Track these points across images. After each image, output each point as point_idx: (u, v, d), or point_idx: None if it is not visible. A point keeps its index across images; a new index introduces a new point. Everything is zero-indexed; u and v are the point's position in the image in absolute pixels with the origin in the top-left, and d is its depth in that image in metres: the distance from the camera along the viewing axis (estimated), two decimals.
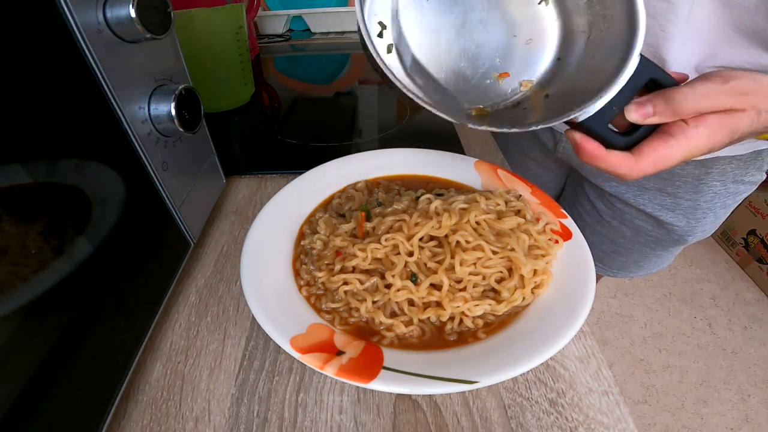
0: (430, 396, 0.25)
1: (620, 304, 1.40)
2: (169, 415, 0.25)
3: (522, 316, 0.27)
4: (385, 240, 0.29)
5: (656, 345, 1.27)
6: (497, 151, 0.51)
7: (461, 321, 0.27)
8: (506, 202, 0.33)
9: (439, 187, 0.38)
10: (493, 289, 0.28)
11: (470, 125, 0.25)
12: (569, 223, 0.32)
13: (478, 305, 0.26)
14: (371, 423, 0.24)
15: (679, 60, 0.31)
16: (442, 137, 0.53)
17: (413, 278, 0.28)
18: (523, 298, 0.27)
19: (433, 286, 0.28)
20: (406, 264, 0.28)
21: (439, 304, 0.27)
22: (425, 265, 0.28)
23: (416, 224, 0.30)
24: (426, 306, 0.27)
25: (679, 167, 0.44)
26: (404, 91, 0.24)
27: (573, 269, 0.29)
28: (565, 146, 0.52)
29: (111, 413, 0.23)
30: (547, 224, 0.32)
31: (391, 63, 0.28)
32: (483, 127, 0.25)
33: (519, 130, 0.25)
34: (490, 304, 0.27)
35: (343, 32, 1.08)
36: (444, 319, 0.27)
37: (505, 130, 0.25)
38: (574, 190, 0.61)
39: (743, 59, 0.30)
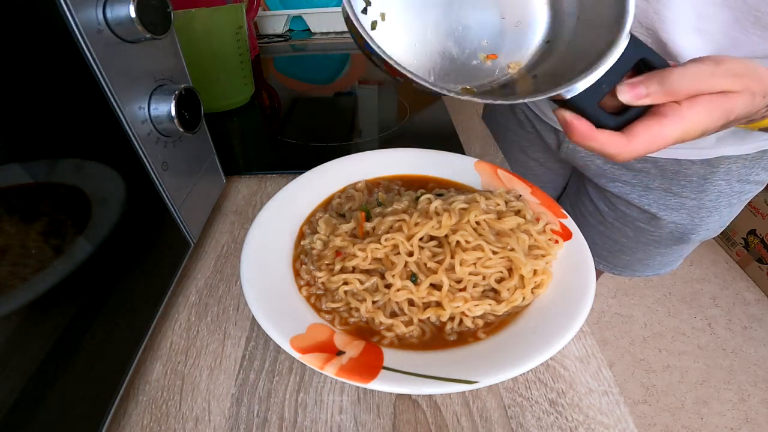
0: (430, 396, 0.25)
1: (620, 304, 1.40)
2: (169, 415, 0.25)
3: (522, 316, 0.27)
4: (385, 240, 0.29)
5: (656, 345, 1.27)
6: (497, 151, 0.51)
7: (461, 321, 0.27)
8: (506, 202, 0.33)
9: (439, 187, 0.38)
10: (493, 289, 0.28)
11: (454, 96, 0.24)
12: (569, 223, 0.32)
13: (478, 305, 0.26)
14: (371, 423, 0.24)
15: (688, 50, 0.30)
16: (442, 137, 0.53)
17: (413, 278, 0.28)
18: (523, 298, 0.27)
19: (433, 286, 0.28)
20: (406, 264, 0.28)
21: (439, 304, 0.27)
22: (425, 265, 0.28)
23: (416, 224, 0.30)
24: (426, 306, 0.27)
25: (685, 167, 0.44)
26: (391, 63, 0.23)
27: (573, 269, 0.29)
28: (568, 146, 0.52)
29: (111, 413, 0.23)
30: (547, 224, 0.32)
31: (377, 38, 0.28)
32: (466, 97, 0.24)
33: (504, 102, 0.25)
34: (490, 304, 0.27)
35: (343, 32, 1.08)
36: (444, 319, 0.27)
37: (490, 101, 0.25)
38: (576, 191, 0.61)
39: (764, 49, 0.29)
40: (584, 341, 0.28)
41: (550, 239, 0.31)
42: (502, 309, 0.27)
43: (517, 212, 0.32)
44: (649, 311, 1.37)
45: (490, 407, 0.25)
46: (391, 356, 0.24)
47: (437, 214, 0.30)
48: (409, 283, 0.27)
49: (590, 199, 0.57)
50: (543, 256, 0.29)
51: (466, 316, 0.27)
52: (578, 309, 0.25)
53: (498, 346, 0.25)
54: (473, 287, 0.28)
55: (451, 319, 0.27)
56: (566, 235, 0.31)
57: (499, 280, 0.28)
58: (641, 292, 1.43)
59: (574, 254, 0.30)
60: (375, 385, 0.22)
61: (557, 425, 0.24)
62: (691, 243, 0.52)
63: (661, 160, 0.44)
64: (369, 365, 0.23)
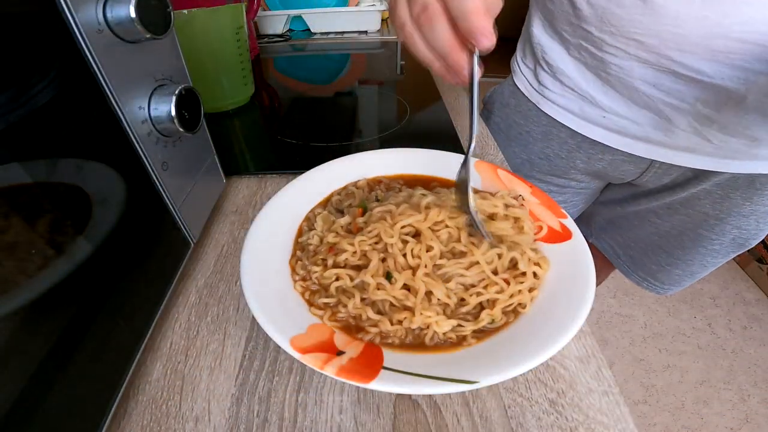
0: (430, 396, 0.25)
1: (620, 304, 1.40)
2: (169, 415, 0.25)
3: (522, 316, 0.27)
4: (369, 232, 0.29)
5: (656, 345, 1.27)
6: (497, 151, 0.51)
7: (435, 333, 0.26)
8: (506, 206, 0.33)
9: (440, 187, 0.38)
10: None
11: None
12: (569, 222, 0.32)
13: (445, 321, 0.25)
14: (371, 423, 0.24)
15: None
16: (442, 137, 0.53)
17: (388, 277, 0.28)
18: (492, 321, 0.26)
19: (410, 290, 0.27)
20: (384, 260, 0.28)
21: (410, 310, 0.26)
22: (405, 258, 0.28)
23: (400, 214, 0.30)
24: (404, 308, 0.26)
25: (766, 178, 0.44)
26: None
27: (573, 269, 0.29)
28: (656, 172, 0.50)
29: (111, 413, 0.23)
30: (539, 231, 0.32)
31: None
32: None
33: None
34: (459, 324, 0.26)
35: (343, 32, 1.08)
36: (414, 326, 0.26)
37: None
38: (620, 205, 0.59)
39: None
40: (584, 341, 0.28)
41: (539, 260, 0.29)
42: (468, 329, 0.26)
43: (516, 220, 0.32)
44: (649, 311, 1.38)
45: (490, 407, 0.25)
46: (391, 356, 0.24)
47: (427, 208, 0.30)
48: (383, 280, 0.27)
49: (644, 209, 0.54)
50: (526, 280, 0.28)
51: (434, 330, 0.25)
52: (578, 309, 0.25)
53: (498, 345, 0.25)
54: (448, 297, 0.27)
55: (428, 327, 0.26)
56: (566, 235, 0.31)
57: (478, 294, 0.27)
58: (641, 292, 1.43)
59: (574, 254, 0.30)
60: (375, 385, 0.22)
61: (557, 425, 0.24)
62: (746, 248, 0.52)
63: (761, 175, 0.44)
64: (369, 365, 0.23)
